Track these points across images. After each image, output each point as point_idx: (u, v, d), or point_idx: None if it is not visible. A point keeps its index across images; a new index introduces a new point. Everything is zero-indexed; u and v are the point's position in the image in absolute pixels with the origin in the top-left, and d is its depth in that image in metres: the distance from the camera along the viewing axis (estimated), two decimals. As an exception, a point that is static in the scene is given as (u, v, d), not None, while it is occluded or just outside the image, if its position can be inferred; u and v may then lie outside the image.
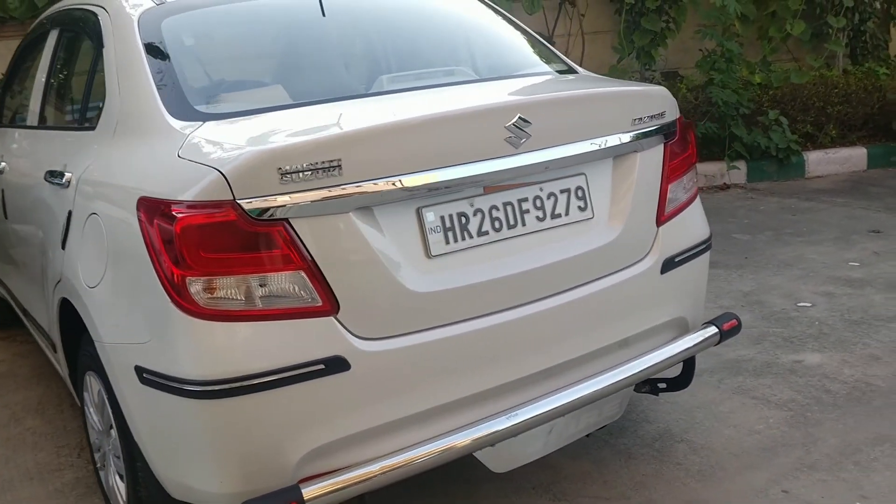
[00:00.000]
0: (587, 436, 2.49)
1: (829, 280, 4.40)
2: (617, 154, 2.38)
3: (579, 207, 2.31)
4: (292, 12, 2.67)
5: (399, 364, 2.00)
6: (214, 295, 1.85)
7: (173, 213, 1.84)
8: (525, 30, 3.01)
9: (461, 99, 2.28)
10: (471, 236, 2.12)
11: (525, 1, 6.49)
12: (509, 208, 2.19)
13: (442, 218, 2.08)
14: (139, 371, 1.98)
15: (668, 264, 2.49)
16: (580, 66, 6.58)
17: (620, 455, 2.84)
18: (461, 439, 2.03)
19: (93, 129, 2.48)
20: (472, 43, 2.94)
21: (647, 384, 2.72)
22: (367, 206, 1.96)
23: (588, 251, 2.31)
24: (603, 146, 2.31)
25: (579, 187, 2.31)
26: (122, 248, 2.04)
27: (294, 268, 1.88)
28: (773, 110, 6.72)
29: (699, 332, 2.54)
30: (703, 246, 2.65)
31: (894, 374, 3.29)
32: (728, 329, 2.59)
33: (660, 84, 6.80)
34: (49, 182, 2.58)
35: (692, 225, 2.63)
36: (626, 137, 2.36)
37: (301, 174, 1.84)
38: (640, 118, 2.39)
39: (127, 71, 2.33)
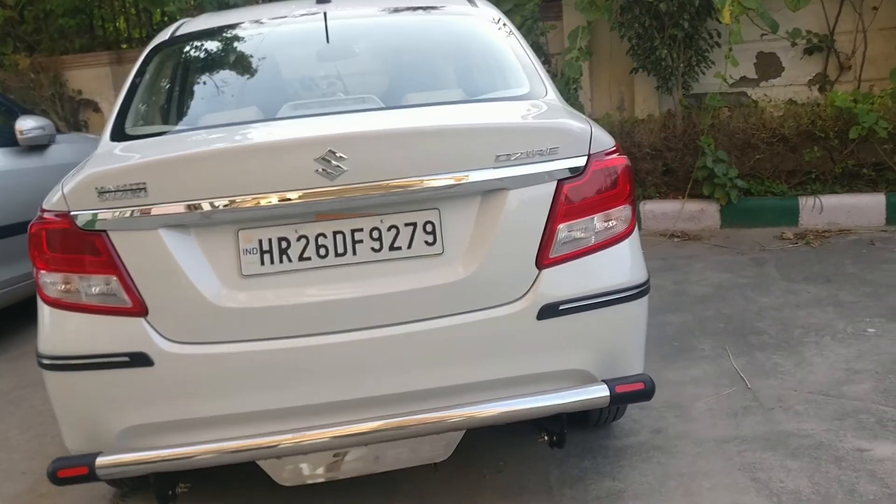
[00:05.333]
0: (434, 468, 2.44)
1: None
2: (485, 190, 2.28)
3: (426, 242, 2.28)
4: (264, 42, 2.98)
5: (202, 368, 2.25)
6: (55, 287, 2.29)
7: (40, 217, 2.31)
8: (517, 51, 2.89)
9: (311, 129, 2.39)
10: (290, 260, 2.26)
11: (789, -2, 5.79)
12: (339, 237, 2.27)
13: (260, 241, 2.25)
14: None
15: (550, 310, 2.32)
16: (861, 67, 5.72)
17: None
18: (242, 446, 2.20)
19: None
20: (423, 69, 2.94)
21: (546, 434, 2.53)
22: (179, 224, 2.22)
23: (431, 287, 2.27)
24: (455, 183, 2.25)
25: (429, 221, 2.28)
26: None
27: (109, 272, 2.24)
28: None
29: (575, 390, 2.32)
30: (620, 294, 2.39)
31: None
32: (624, 392, 2.32)
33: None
34: None
35: (601, 270, 2.38)
36: (488, 174, 2.26)
37: (114, 194, 2.19)
38: (509, 155, 2.25)
39: (118, 97, 2.86)
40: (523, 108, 2.57)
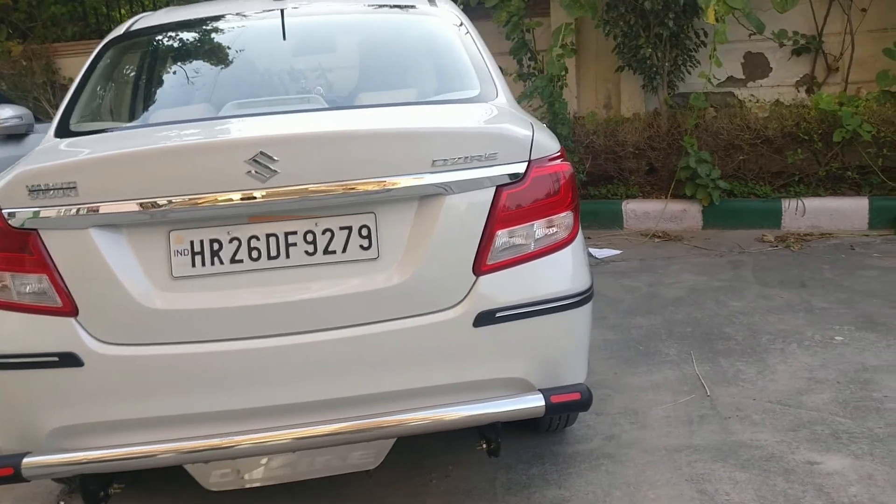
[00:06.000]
0: (368, 474, 2.42)
1: None
2: (422, 195, 2.25)
3: (361, 246, 2.25)
4: (219, 39, 2.95)
5: (132, 370, 2.22)
6: None
7: None
8: (472, 52, 2.84)
9: (243, 130, 2.36)
10: (221, 263, 2.23)
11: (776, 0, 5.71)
12: (272, 240, 2.24)
13: (191, 242, 2.22)
14: None
15: (487, 318, 2.28)
16: (848, 69, 5.65)
17: (490, 511, 2.66)
18: (167, 449, 2.18)
19: None
20: (374, 69, 2.91)
21: (485, 442, 2.50)
22: (110, 224, 2.19)
23: (365, 292, 2.24)
24: (390, 187, 2.21)
25: (364, 226, 2.25)
26: None
27: (40, 271, 2.21)
28: None
29: (509, 399, 2.28)
30: (560, 302, 2.35)
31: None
32: (559, 402, 2.29)
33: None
34: None
35: (541, 277, 2.34)
36: (425, 179, 2.22)
37: (44, 192, 2.16)
38: (446, 160, 2.22)
39: (67, 92, 2.83)
40: (467, 112, 2.53)
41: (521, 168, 2.29)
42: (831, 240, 5.45)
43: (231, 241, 2.23)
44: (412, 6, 3.14)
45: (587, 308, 2.44)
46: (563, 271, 2.39)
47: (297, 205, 2.20)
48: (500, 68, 4.11)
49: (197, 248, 2.22)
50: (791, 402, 3.22)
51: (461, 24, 3.00)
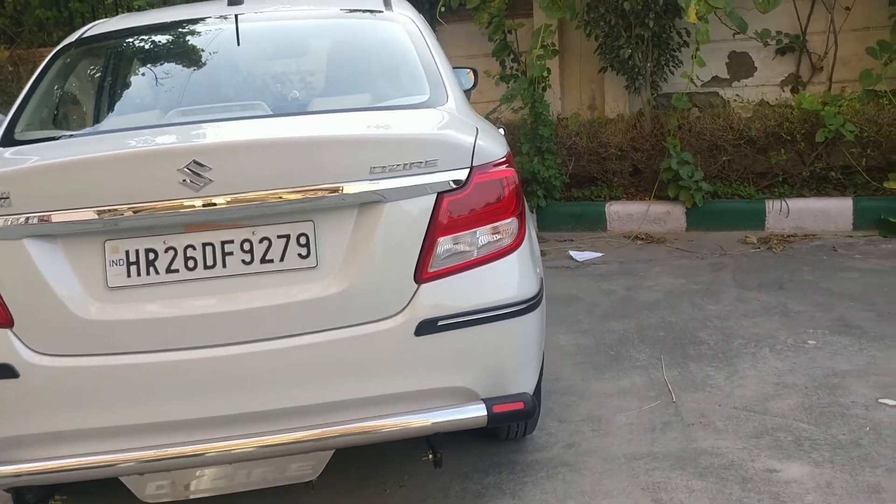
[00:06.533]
0: (309, 486, 2.38)
1: (973, 376, 3.29)
2: (361, 202, 2.22)
3: (300, 255, 2.22)
4: (171, 45, 2.93)
5: (68, 381, 2.19)
6: None
7: None
8: (424, 56, 2.80)
9: (177, 138, 2.33)
10: (157, 272, 2.20)
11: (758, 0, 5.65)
12: (209, 249, 2.21)
13: (127, 252, 2.19)
14: None
15: (428, 326, 2.24)
16: (833, 70, 5.59)
17: (440, 522, 2.62)
18: (103, 461, 2.15)
19: None
20: (324, 75, 2.87)
21: (432, 452, 2.46)
22: (45, 234, 2.16)
23: (304, 301, 2.21)
24: (327, 195, 2.18)
25: (303, 234, 2.22)
26: None
27: None
28: None
29: (449, 409, 2.25)
30: (504, 310, 2.31)
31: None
32: (502, 412, 2.25)
33: None
34: None
35: (484, 285, 2.31)
36: (363, 186, 2.19)
37: None
38: (384, 167, 2.18)
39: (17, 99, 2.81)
40: (411, 118, 2.49)
41: (462, 175, 2.26)
42: (815, 241, 5.39)
43: (167, 250, 2.20)
44: (366, 10, 3.11)
45: (534, 315, 2.40)
46: (508, 278, 2.35)
47: (233, 213, 2.17)
48: (477, 71, 4.08)
49: (132, 258, 2.20)
50: (756, 408, 3.17)
51: (416, 28, 2.96)
